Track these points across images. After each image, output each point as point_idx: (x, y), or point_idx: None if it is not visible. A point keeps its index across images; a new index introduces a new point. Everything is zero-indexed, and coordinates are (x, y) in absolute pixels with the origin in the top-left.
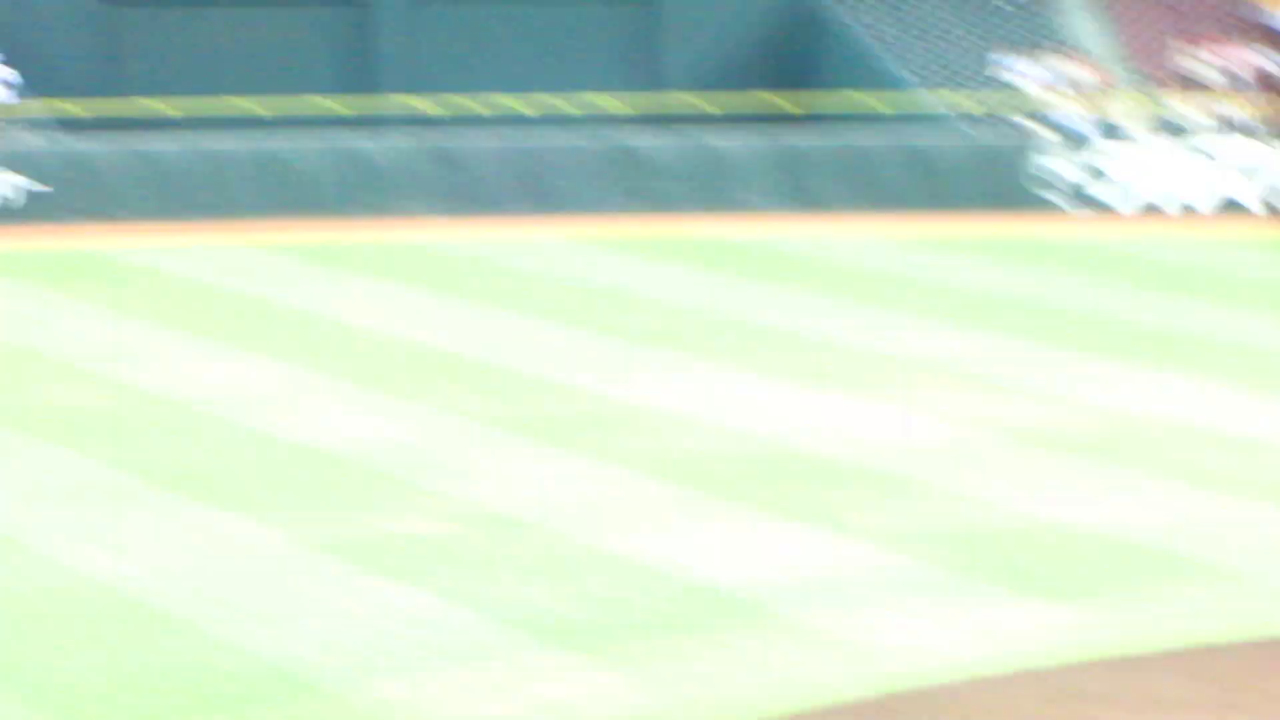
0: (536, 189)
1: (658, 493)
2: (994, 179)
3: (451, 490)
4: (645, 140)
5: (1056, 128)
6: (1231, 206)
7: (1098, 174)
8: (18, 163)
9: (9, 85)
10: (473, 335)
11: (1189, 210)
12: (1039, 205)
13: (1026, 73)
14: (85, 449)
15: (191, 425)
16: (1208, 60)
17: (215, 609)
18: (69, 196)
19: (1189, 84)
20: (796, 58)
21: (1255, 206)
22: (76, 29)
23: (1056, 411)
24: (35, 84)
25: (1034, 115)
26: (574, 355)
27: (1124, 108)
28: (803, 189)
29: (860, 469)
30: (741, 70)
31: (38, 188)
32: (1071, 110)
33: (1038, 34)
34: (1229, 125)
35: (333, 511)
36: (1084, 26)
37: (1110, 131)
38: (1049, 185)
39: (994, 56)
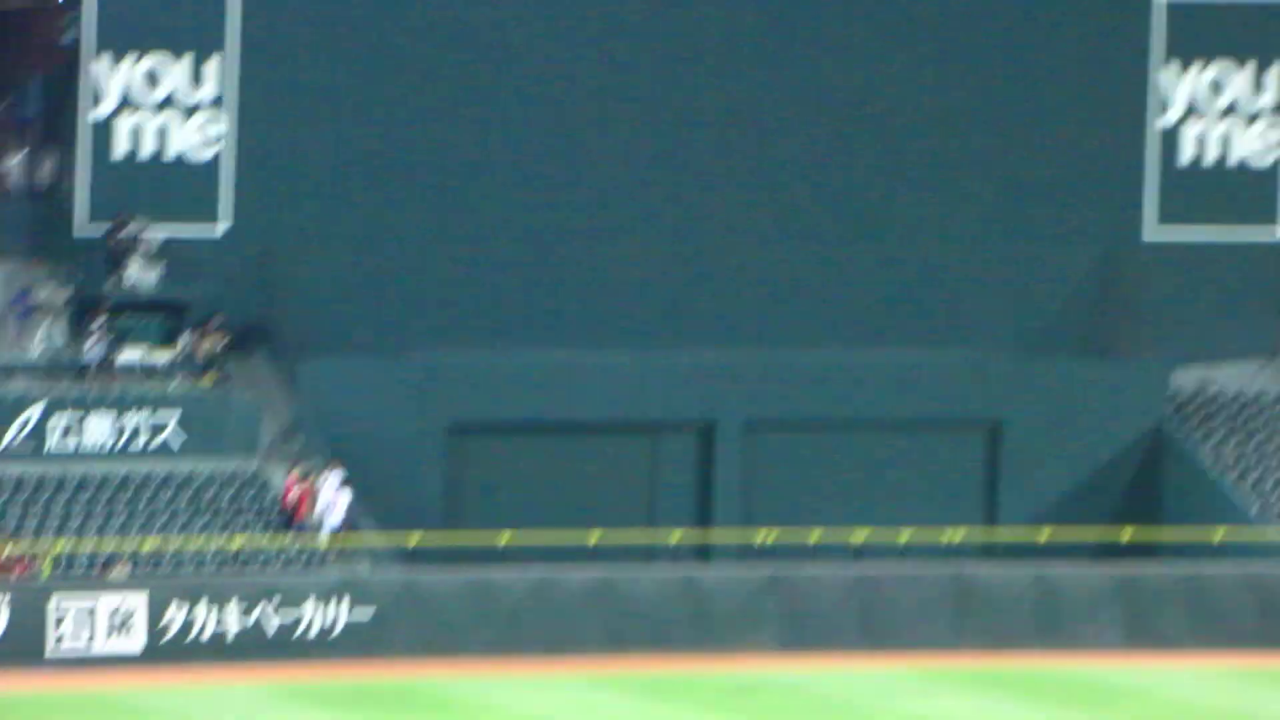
0: (871, 621)
1: None
2: None
3: None
4: (981, 571)
5: None
6: None
7: None
8: (350, 591)
9: (346, 508)
10: None
11: None
12: None
13: None
14: None
15: None
16: None
17: None
18: (401, 627)
19: None
20: (1138, 488)
21: None
22: (420, 459)
23: None
24: (374, 509)
25: None
26: None
27: None
28: (1142, 622)
29: None
30: (1081, 501)
31: (368, 617)
32: None
33: None
34: None
35: None
36: None
37: None
38: None
39: None
